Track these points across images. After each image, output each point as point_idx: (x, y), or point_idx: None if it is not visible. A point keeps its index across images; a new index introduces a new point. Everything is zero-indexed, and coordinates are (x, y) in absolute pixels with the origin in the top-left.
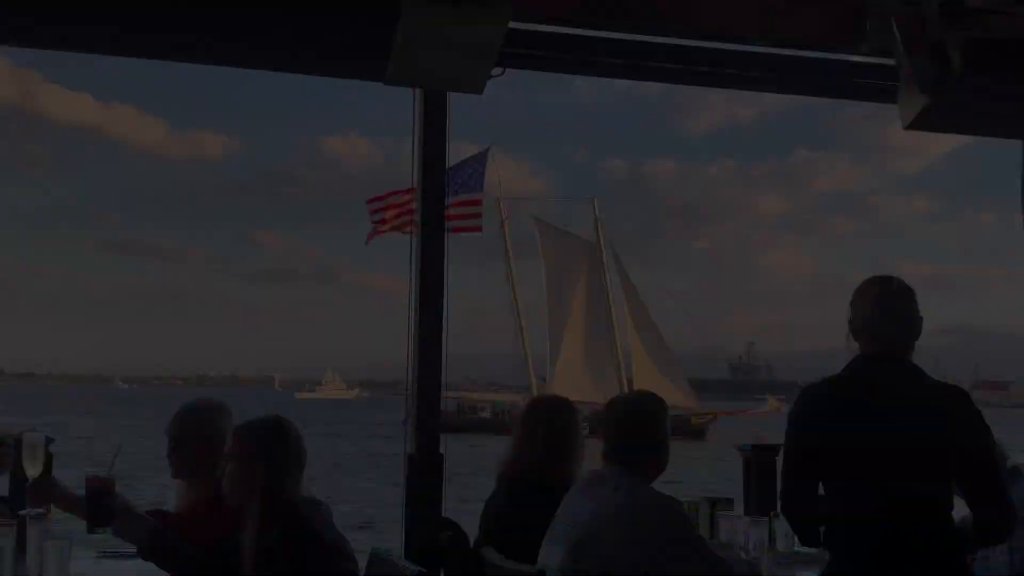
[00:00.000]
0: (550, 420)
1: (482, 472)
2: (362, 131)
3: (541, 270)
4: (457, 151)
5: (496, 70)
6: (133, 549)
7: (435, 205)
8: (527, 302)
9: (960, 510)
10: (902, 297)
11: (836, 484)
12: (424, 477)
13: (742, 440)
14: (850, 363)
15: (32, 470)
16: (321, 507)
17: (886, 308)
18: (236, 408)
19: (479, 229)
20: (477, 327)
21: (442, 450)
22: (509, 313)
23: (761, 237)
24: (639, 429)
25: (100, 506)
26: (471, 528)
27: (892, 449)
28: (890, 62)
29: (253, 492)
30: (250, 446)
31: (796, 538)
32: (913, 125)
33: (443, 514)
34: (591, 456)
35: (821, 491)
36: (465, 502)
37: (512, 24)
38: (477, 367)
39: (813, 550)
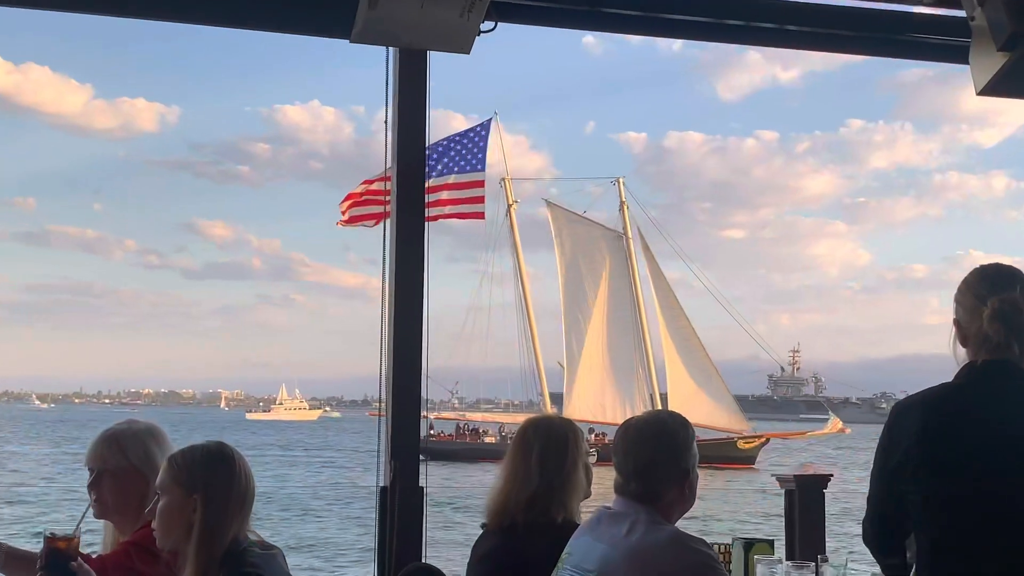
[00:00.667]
0: (546, 445)
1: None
2: (328, 99)
3: (555, 264)
4: (444, 124)
5: (486, 25)
6: None
7: (413, 187)
8: (538, 303)
9: None
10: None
11: (944, 512)
12: (400, 515)
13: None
14: (962, 371)
15: None
16: (273, 553)
17: (1009, 307)
18: (173, 432)
19: (481, 216)
20: (476, 334)
21: (423, 482)
22: (517, 316)
23: (807, 224)
24: (659, 456)
25: (63, 573)
26: None
27: (1016, 469)
28: (960, 14)
29: (188, 534)
30: (185, 478)
31: None
32: (988, 90)
33: (423, 559)
34: (603, 489)
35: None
36: (458, 545)
37: None
38: (478, 383)
39: None
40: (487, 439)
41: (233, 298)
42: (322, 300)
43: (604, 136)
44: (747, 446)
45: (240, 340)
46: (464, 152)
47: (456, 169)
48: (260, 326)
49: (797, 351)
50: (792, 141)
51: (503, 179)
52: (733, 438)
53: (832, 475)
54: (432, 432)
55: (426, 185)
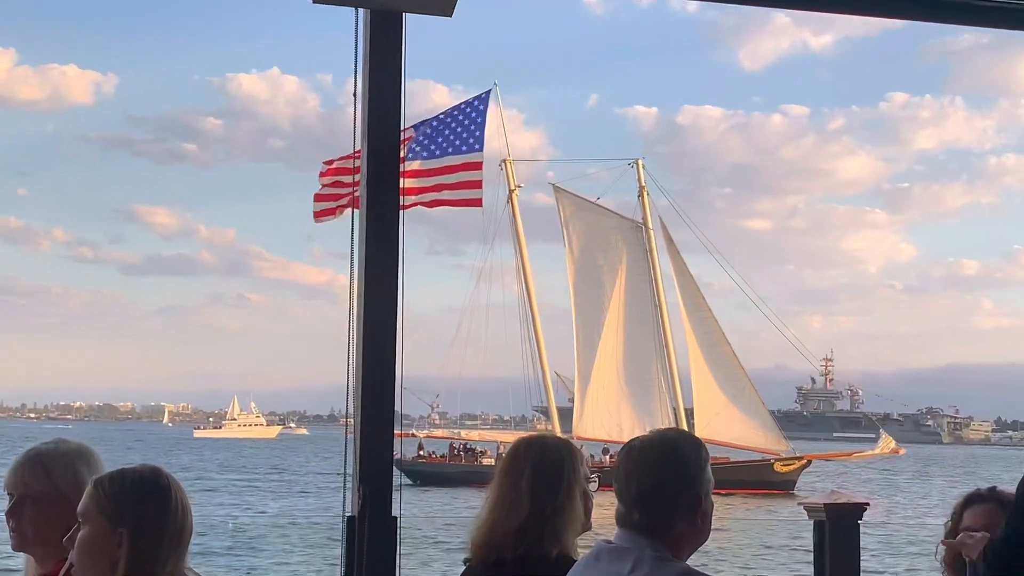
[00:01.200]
0: (538, 468)
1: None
2: (289, 66)
3: (563, 259)
4: (423, 96)
5: None
6: None
7: (386, 169)
8: (545, 303)
9: None
10: None
11: None
12: (369, 549)
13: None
14: None
15: None
16: None
17: None
18: (109, 453)
19: (479, 202)
20: (464, 339)
21: (396, 510)
22: (519, 320)
23: (841, 213)
24: (667, 481)
25: None
26: None
27: None
28: None
29: (111, 573)
30: (111, 509)
31: None
32: None
33: None
34: (606, 519)
35: None
36: None
37: None
38: (464, 395)
39: None
40: (484, 460)
41: (179, 297)
42: (282, 299)
43: (608, 111)
44: (786, 469)
45: (187, 345)
46: (459, 130)
47: (450, 150)
48: (210, 329)
49: (830, 359)
50: (824, 117)
51: (503, 161)
52: (769, 460)
53: (868, 504)
54: (422, 453)
55: (417, 168)
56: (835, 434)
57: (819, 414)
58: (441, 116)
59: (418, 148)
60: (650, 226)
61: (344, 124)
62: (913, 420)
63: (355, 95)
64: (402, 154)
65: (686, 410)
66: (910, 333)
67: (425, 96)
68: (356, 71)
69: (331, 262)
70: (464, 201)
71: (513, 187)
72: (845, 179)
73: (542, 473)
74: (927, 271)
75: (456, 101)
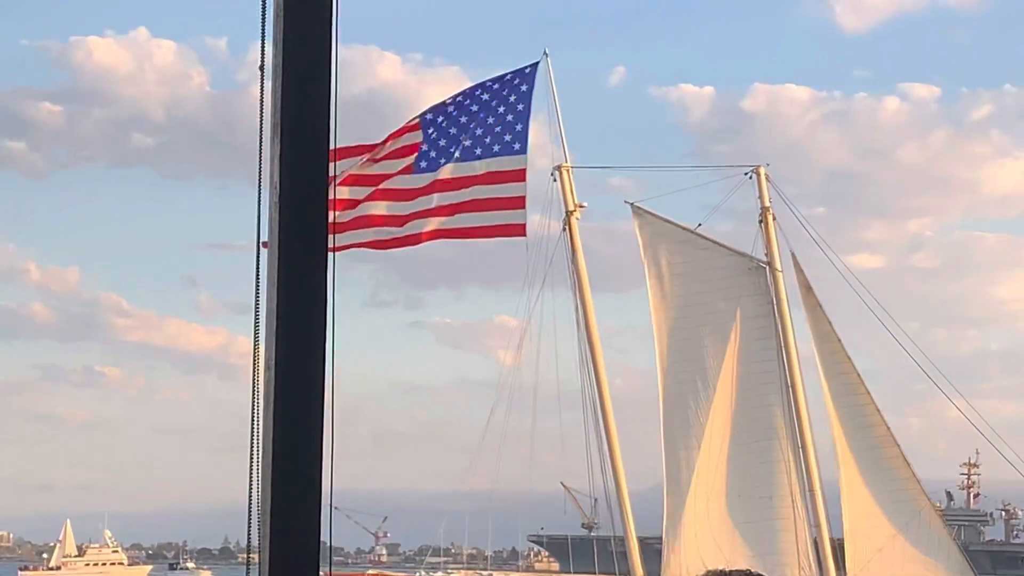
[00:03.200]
0: None
1: None
2: (162, 26)
3: (648, 311)
4: (365, 70)
5: None
6: None
7: (308, 181)
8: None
9: None
10: None
11: None
12: None
13: None
14: None
15: None
16: None
17: None
18: None
19: (521, 229)
20: (507, 437)
21: None
22: (582, 402)
23: (992, 245)
24: None
25: None
26: None
27: None
28: None
29: None
30: None
31: None
32: None
33: None
34: None
35: None
36: None
37: None
38: (436, 518)
39: None
40: None
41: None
42: (151, 374)
43: (640, 90)
44: None
45: (7, 445)
46: (490, 121)
47: (478, 151)
48: (42, 419)
49: (974, 465)
50: (963, 101)
51: (556, 168)
52: None
53: None
54: None
55: (438, 177)
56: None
57: (960, 546)
58: (460, 100)
59: (433, 153)
60: (778, 266)
61: (247, 111)
62: None
63: (262, 68)
64: (377, 156)
65: (833, 542)
66: None
67: (367, 70)
68: (264, 32)
69: (225, 318)
70: (499, 228)
71: (572, 207)
72: (995, 194)
73: None
74: None
75: (415, 75)
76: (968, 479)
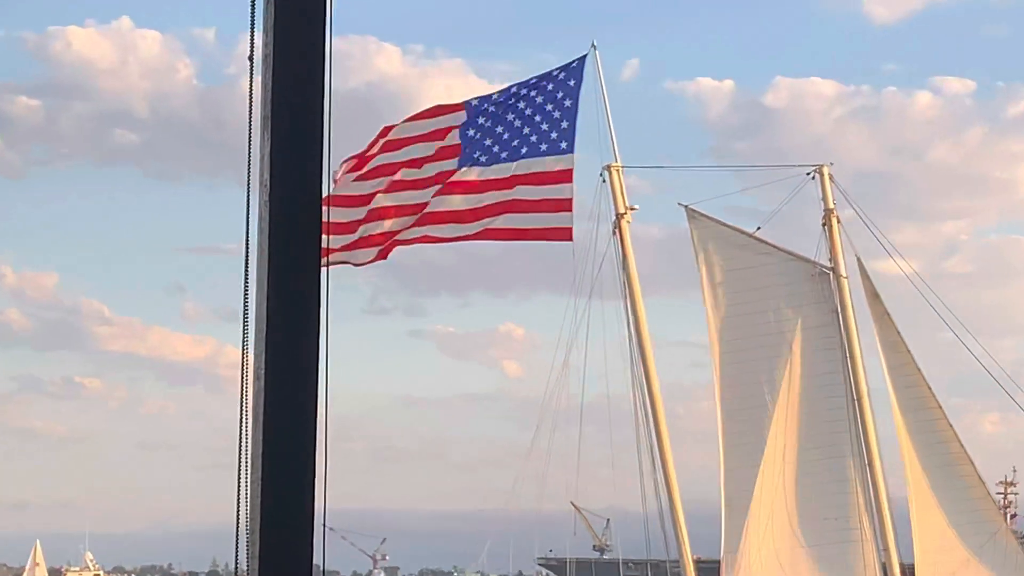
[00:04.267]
0: None
1: None
2: (147, 16)
3: (707, 319)
4: (363, 63)
5: None
6: None
7: (301, 180)
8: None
9: None
10: None
11: None
12: None
13: None
14: None
15: None
16: None
17: None
18: None
19: (568, 234)
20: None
21: None
22: (636, 416)
23: None
24: None
25: None
26: None
27: None
28: None
29: None
30: None
31: None
32: None
33: None
34: None
35: None
36: None
37: None
38: (439, 539)
39: None
40: None
41: None
42: (134, 385)
43: (655, 84)
44: None
45: None
46: (536, 118)
47: (524, 150)
48: (18, 433)
49: (1011, 484)
50: (1000, 96)
51: (606, 167)
52: None
53: None
54: None
55: (470, 179)
56: None
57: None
58: (506, 96)
59: (476, 153)
60: (843, 272)
61: (236, 106)
62: None
63: (251, 59)
64: (373, 151)
65: (903, 567)
66: None
67: (365, 63)
68: (253, 20)
69: (213, 326)
70: (544, 232)
71: (624, 209)
72: None
73: None
74: None
75: (415, 68)
76: (1005, 499)
